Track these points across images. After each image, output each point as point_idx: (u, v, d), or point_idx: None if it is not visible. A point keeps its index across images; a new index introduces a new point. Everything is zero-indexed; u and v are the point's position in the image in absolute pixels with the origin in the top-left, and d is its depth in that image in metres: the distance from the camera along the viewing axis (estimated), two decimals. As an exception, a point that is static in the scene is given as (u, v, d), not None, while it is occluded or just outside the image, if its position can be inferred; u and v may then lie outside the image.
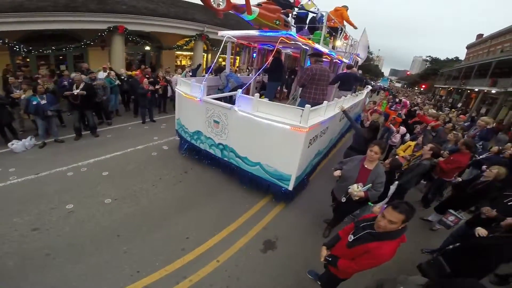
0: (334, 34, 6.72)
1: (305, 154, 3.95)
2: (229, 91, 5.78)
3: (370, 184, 2.70)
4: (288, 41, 4.71)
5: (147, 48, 12.15)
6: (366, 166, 2.84)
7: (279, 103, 4.14)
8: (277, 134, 3.79)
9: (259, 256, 3.27)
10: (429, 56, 52.71)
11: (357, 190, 2.64)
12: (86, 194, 4.04)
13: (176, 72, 8.64)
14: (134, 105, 8.11)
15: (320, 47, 5.10)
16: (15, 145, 5.28)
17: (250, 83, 5.18)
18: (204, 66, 13.57)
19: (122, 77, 7.88)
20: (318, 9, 6.18)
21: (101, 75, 7.55)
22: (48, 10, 8.06)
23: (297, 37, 4.41)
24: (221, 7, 3.47)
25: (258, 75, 6.23)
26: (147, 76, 7.79)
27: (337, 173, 2.91)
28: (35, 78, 6.91)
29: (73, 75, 6.06)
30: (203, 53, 13.83)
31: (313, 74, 4.71)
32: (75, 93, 5.71)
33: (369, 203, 3.54)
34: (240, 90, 4.26)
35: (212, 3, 3.35)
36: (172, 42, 12.56)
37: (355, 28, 7.78)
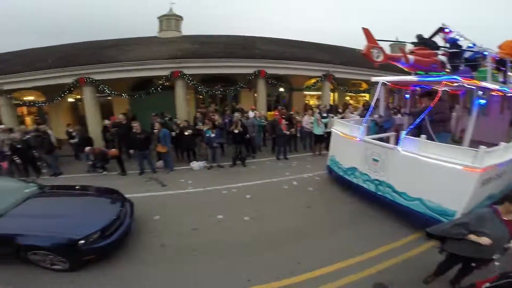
0: (503, 68, 5.52)
1: (475, 194, 3.91)
2: (387, 128, 6.09)
3: None
4: (451, 84, 4.58)
5: (281, 89, 13.77)
6: (506, 219, 2.62)
7: (449, 144, 4.35)
8: (446, 173, 3.95)
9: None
10: None
11: None
12: (232, 209, 5.18)
13: (307, 113, 9.49)
14: (272, 142, 9.17)
15: (488, 84, 4.67)
16: (194, 164, 7.64)
17: (416, 125, 4.87)
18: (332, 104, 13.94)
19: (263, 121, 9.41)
20: (474, 44, 5.39)
21: (251, 114, 9.43)
22: (216, 57, 11.04)
23: (461, 80, 4.29)
24: (379, 59, 3.98)
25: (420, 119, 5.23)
26: (283, 116, 8.93)
27: (488, 241, 2.55)
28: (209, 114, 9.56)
29: (236, 115, 8.01)
30: (330, 92, 14.28)
31: None
32: (236, 131, 7.50)
33: None
34: (404, 132, 4.62)
35: (372, 56, 3.91)
36: (300, 83, 13.60)
37: None
